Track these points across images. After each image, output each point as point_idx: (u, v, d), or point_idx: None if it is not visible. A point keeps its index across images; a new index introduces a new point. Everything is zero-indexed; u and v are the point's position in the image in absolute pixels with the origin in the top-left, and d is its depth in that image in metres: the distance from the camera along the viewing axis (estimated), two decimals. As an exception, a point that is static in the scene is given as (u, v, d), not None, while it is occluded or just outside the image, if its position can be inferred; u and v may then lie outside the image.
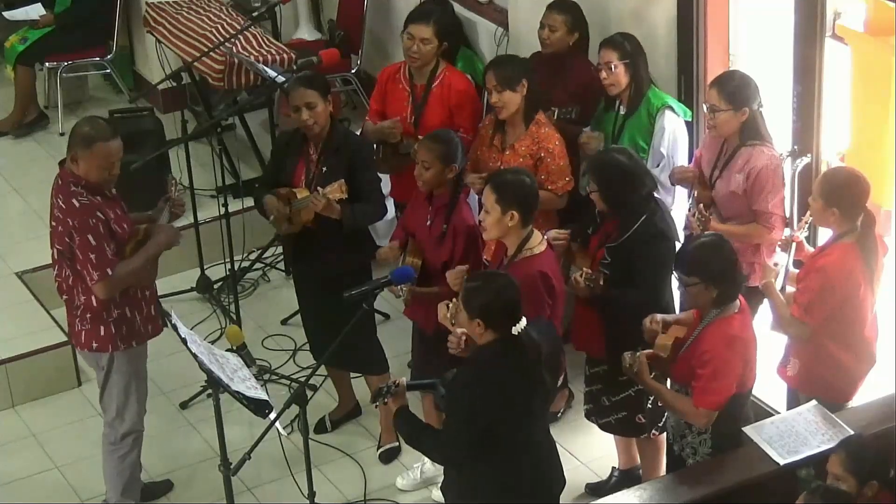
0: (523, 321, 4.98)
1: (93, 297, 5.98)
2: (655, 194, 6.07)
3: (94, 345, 6.11)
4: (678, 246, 5.93)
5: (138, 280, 6.08)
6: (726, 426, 5.41)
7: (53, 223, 6.00)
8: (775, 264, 5.90)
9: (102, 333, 6.07)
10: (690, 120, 6.74)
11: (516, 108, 6.57)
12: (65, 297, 6.13)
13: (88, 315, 6.06)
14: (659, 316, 5.64)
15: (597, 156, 6.24)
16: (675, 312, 5.95)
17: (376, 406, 5.20)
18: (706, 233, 5.66)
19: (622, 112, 6.70)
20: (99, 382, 6.29)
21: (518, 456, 5.12)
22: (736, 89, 6.07)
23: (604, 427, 6.34)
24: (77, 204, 5.87)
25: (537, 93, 6.62)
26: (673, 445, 5.69)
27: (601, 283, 5.86)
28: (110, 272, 5.88)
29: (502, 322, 4.97)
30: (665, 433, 6.00)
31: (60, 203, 5.93)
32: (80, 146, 5.88)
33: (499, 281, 5.07)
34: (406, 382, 5.25)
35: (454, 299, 5.61)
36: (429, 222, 6.29)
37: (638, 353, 5.49)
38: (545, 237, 5.82)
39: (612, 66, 6.55)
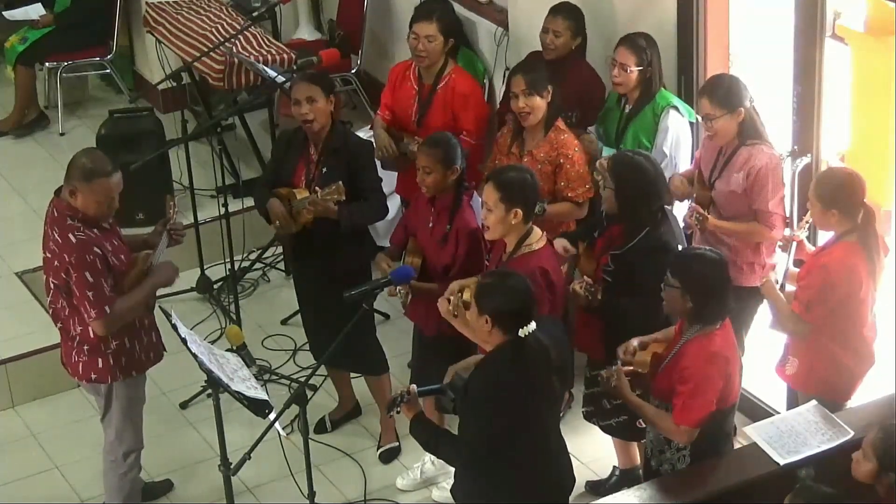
0: (532, 325, 4.98)
1: (90, 330, 5.88)
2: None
3: (93, 376, 6.01)
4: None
5: (137, 314, 6.01)
6: (707, 443, 5.37)
7: (48, 255, 5.87)
8: (773, 266, 5.90)
9: (101, 365, 5.98)
10: (694, 121, 6.74)
11: (542, 115, 6.52)
12: (60, 325, 6.02)
13: (86, 347, 5.95)
14: (634, 341, 5.58)
15: (622, 155, 6.12)
16: (674, 324, 5.97)
17: (390, 416, 5.22)
18: (711, 248, 5.58)
19: (626, 111, 6.70)
20: (98, 406, 6.26)
21: (532, 457, 5.13)
22: (727, 92, 6.05)
23: (605, 429, 6.34)
24: (74, 239, 5.74)
25: (559, 100, 6.55)
26: (650, 460, 5.62)
27: (599, 296, 5.84)
28: (108, 310, 5.78)
29: (511, 324, 4.97)
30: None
31: (56, 236, 5.79)
32: (80, 180, 5.74)
33: (514, 282, 5.05)
34: (416, 389, 5.25)
35: (457, 294, 5.60)
36: (430, 224, 6.29)
37: (615, 368, 5.45)
38: (543, 234, 5.82)
39: (628, 69, 6.53)
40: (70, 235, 5.76)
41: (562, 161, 6.50)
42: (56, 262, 5.81)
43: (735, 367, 5.39)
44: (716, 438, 5.39)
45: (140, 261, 5.98)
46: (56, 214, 5.84)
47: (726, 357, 5.32)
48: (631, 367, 5.48)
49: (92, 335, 5.90)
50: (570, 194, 6.51)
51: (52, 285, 5.91)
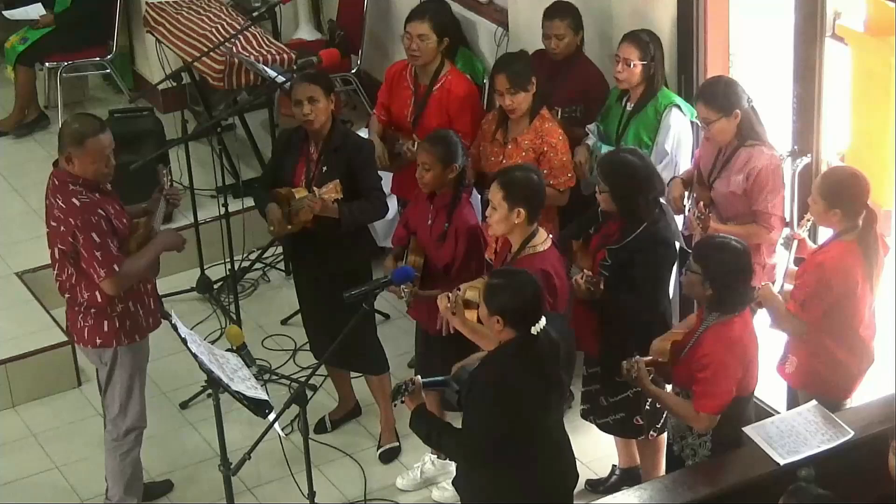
0: (542, 321, 4.98)
1: (97, 294, 5.96)
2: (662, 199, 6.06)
3: (98, 340, 6.09)
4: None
5: (144, 276, 6.10)
6: (727, 429, 5.40)
7: (53, 223, 5.97)
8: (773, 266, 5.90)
9: (106, 329, 6.07)
10: (695, 120, 6.73)
11: (527, 107, 6.57)
12: (66, 295, 6.11)
13: (93, 310, 6.04)
14: (639, 359, 5.54)
15: (608, 156, 6.17)
16: (671, 319, 5.98)
17: (395, 406, 5.23)
18: (734, 238, 5.57)
19: (628, 108, 6.71)
20: (101, 380, 6.28)
21: (536, 453, 5.12)
22: (723, 96, 6.06)
23: (602, 427, 6.34)
24: (77, 203, 5.86)
25: (542, 88, 6.61)
26: (672, 445, 5.68)
27: (601, 286, 5.85)
28: (117, 268, 5.88)
29: (522, 321, 4.96)
30: (664, 434, 6.00)
31: (60, 203, 5.90)
32: (73, 145, 5.86)
33: (521, 279, 5.05)
34: (421, 380, 5.25)
35: (455, 291, 5.60)
36: (430, 222, 6.29)
37: (635, 359, 5.47)
38: (549, 237, 5.82)
39: (631, 64, 6.54)
40: (73, 200, 5.87)
41: (546, 149, 6.56)
42: (62, 228, 5.91)
43: (754, 353, 5.42)
44: (736, 425, 5.41)
45: (141, 225, 6.08)
46: (57, 183, 5.94)
47: (745, 344, 5.35)
48: (650, 358, 5.49)
49: (99, 299, 5.98)
50: (552, 182, 6.55)
51: (57, 254, 6.00)
